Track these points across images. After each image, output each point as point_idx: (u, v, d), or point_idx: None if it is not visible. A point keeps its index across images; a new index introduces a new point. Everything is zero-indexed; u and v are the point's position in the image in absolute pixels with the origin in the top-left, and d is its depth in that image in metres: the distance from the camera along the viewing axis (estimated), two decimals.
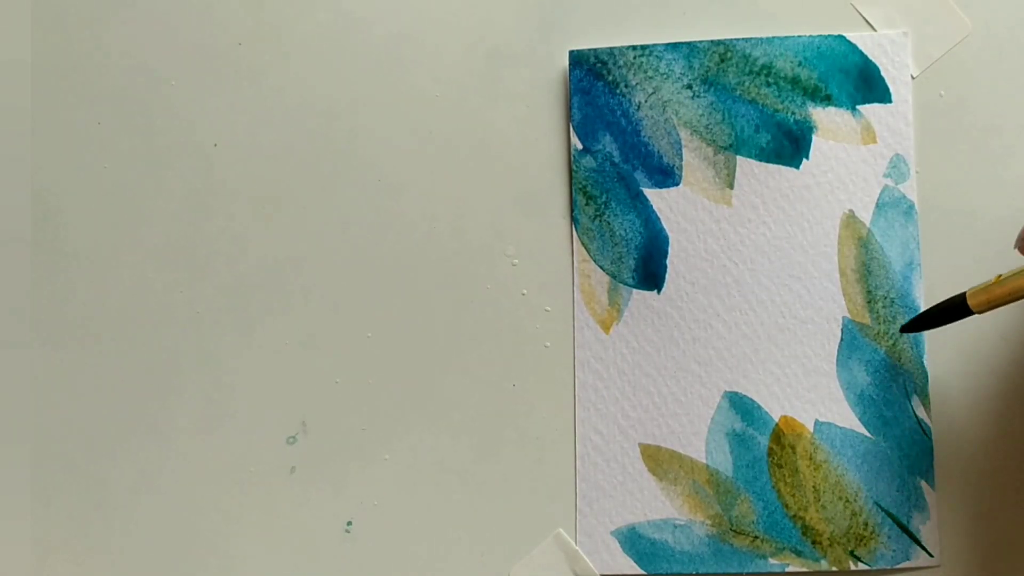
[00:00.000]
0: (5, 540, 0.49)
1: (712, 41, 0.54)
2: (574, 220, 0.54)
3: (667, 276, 0.53)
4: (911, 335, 0.52)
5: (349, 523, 0.54)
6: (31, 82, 0.57)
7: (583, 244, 0.54)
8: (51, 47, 0.58)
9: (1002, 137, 0.52)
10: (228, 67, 0.57)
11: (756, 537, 0.51)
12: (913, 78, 0.53)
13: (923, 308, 0.51)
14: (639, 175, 0.54)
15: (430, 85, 0.56)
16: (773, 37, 0.54)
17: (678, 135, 0.54)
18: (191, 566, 0.54)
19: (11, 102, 0.53)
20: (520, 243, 0.55)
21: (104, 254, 0.56)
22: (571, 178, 0.54)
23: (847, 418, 0.52)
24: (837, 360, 0.52)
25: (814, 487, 0.51)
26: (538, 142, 0.55)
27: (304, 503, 0.54)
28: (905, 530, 0.51)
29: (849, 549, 0.51)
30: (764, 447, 0.52)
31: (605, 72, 0.55)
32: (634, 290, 0.54)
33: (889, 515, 0.51)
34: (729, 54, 0.54)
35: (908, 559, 0.51)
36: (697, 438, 0.52)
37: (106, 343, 0.56)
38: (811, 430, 0.52)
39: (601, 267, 0.54)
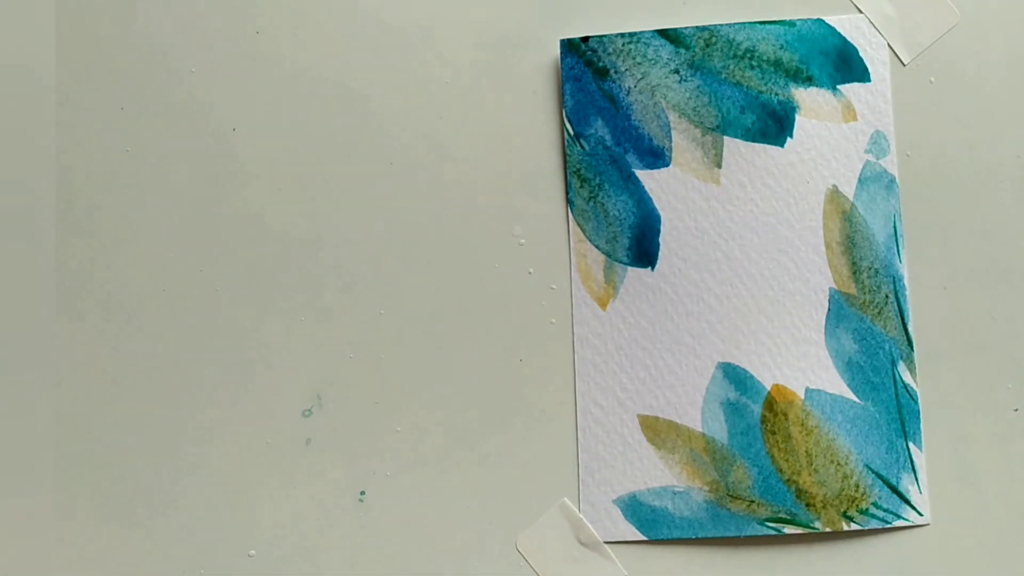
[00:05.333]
0: (30, 510, 0.46)
1: (697, 27, 0.50)
2: (570, 202, 0.50)
3: (660, 253, 0.49)
4: (896, 306, 0.48)
5: (363, 493, 0.49)
6: (56, 69, 0.53)
7: (579, 225, 0.50)
8: (76, 35, 0.54)
9: (988, 120, 0.49)
10: (246, 54, 0.52)
11: (752, 502, 0.47)
12: (904, 65, 0.49)
13: (906, 278, 0.48)
14: (630, 157, 0.49)
15: (439, 73, 0.51)
16: (755, 22, 0.49)
17: (667, 118, 0.49)
18: (210, 535, 0.50)
19: (37, 88, 0.49)
20: (527, 224, 0.50)
21: (126, 235, 0.52)
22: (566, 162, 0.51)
23: (836, 385, 0.47)
24: (825, 329, 0.48)
25: (806, 452, 0.47)
26: (543, 127, 0.51)
27: (319, 474, 0.50)
28: (895, 491, 0.47)
29: (842, 511, 0.47)
30: (757, 415, 0.48)
31: (595, 59, 0.50)
32: (629, 268, 0.49)
33: (880, 477, 0.47)
34: (714, 39, 0.50)
35: (899, 519, 0.47)
36: (693, 408, 0.48)
37: (128, 321, 0.51)
38: (802, 397, 0.47)
39: (597, 247, 0.49)
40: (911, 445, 0.47)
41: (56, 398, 0.51)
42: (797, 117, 0.48)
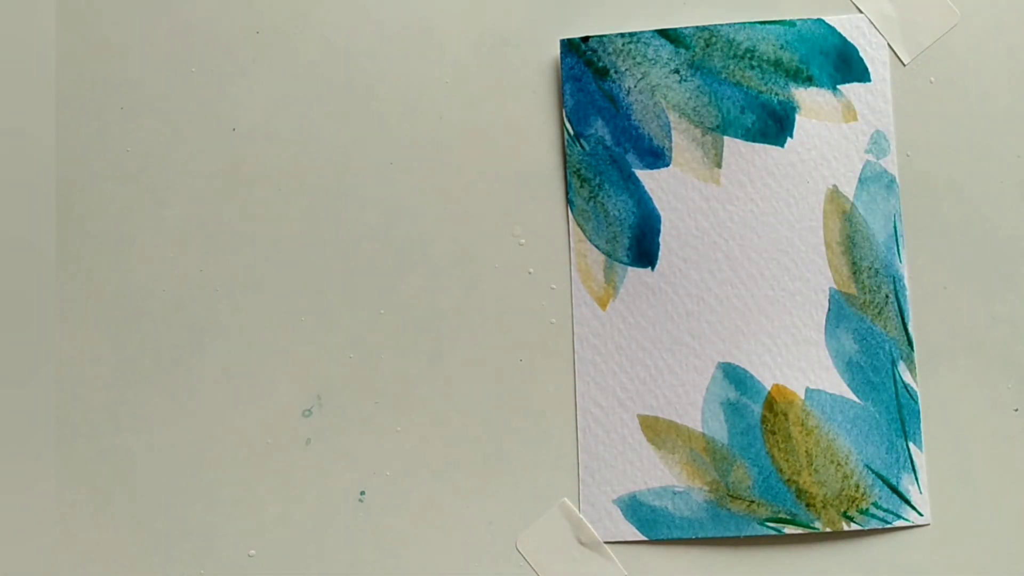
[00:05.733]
0: (30, 507, 0.46)
1: (697, 27, 0.50)
2: (569, 202, 0.50)
3: (660, 253, 0.49)
4: (896, 306, 0.48)
5: (363, 493, 0.49)
6: (55, 68, 0.53)
7: (579, 225, 0.50)
8: (75, 34, 0.53)
9: (989, 120, 0.49)
10: (246, 54, 0.52)
11: (752, 502, 0.47)
12: (904, 65, 0.49)
13: (906, 278, 0.48)
14: (631, 157, 0.49)
15: (439, 73, 0.51)
16: (755, 22, 0.49)
17: (667, 118, 0.49)
18: (210, 534, 0.50)
19: (36, 88, 0.49)
20: (527, 224, 0.50)
21: (126, 234, 0.52)
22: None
23: (836, 385, 0.47)
24: (825, 329, 0.48)
25: (806, 452, 0.47)
26: (543, 127, 0.51)
27: (319, 474, 0.50)
28: (895, 491, 0.47)
29: (842, 511, 0.47)
30: (757, 415, 0.47)
31: (595, 59, 0.50)
32: (629, 268, 0.49)
33: (880, 477, 0.47)
34: (714, 39, 0.49)
35: (899, 519, 0.47)
36: (693, 408, 0.48)
37: (129, 320, 0.51)
38: (802, 397, 0.47)
39: (597, 247, 0.49)
40: (911, 445, 0.47)
41: (56, 398, 0.51)
42: (797, 117, 0.48)
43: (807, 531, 0.46)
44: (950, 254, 0.48)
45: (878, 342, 0.47)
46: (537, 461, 0.48)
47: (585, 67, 0.49)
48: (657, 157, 0.49)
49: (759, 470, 0.47)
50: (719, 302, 0.48)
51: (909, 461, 0.46)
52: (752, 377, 0.47)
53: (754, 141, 0.48)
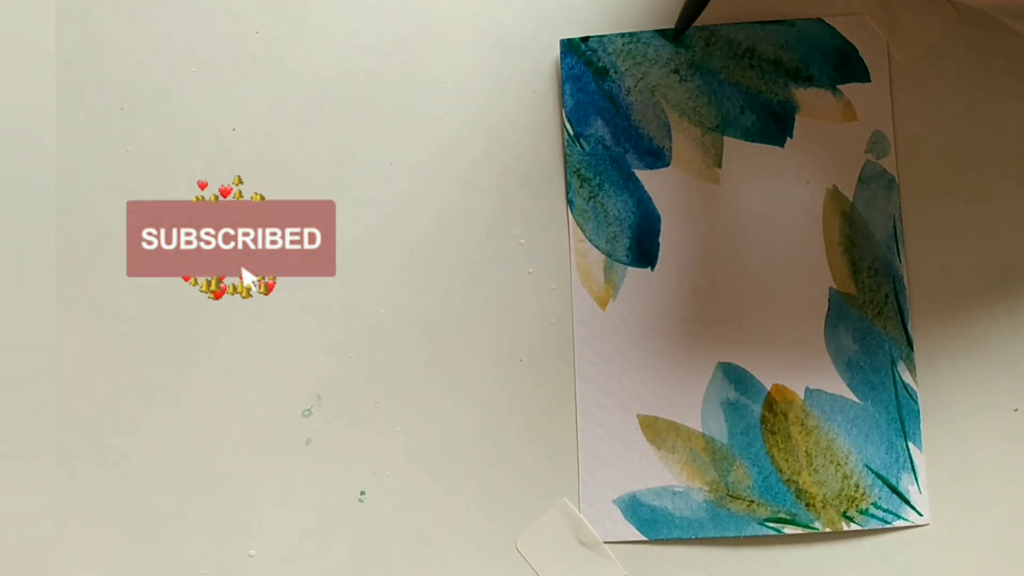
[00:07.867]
0: (30, 510, 0.47)
1: (697, 27, 0.49)
2: (569, 202, 0.50)
3: (660, 253, 0.49)
4: (896, 306, 0.47)
5: (363, 492, 0.49)
6: (56, 69, 0.53)
7: (579, 225, 0.49)
8: (75, 35, 0.53)
9: (988, 120, 0.49)
10: (246, 55, 0.52)
11: (752, 502, 0.47)
12: (904, 65, 0.49)
13: (906, 278, 0.48)
14: (630, 157, 0.49)
15: (439, 73, 0.51)
16: (755, 22, 0.49)
17: (667, 118, 0.49)
18: (210, 534, 0.50)
19: (36, 88, 0.50)
20: (527, 224, 0.50)
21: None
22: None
23: (836, 385, 0.47)
24: (825, 329, 0.48)
25: (806, 452, 0.47)
26: (543, 127, 0.51)
27: (319, 473, 0.50)
28: (895, 491, 0.47)
29: (842, 511, 0.47)
30: (757, 415, 0.47)
31: (595, 59, 0.50)
32: (628, 268, 0.49)
33: (879, 477, 0.47)
34: (714, 39, 0.49)
35: (899, 519, 0.47)
36: (693, 408, 0.48)
37: (128, 319, 0.51)
38: (802, 397, 0.47)
39: (596, 247, 0.49)
40: (911, 445, 0.47)
41: (56, 398, 0.50)
42: (797, 117, 0.48)
43: (807, 531, 0.46)
44: (950, 254, 0.47)
45: (878, 342, 0.47)
46: (537, 461, 0.48)
47: (585, 67, 0.49)
48: (657, 157, 0.49)
49: (759, 470, 0.47)
50: (719, 302, 0.48)
51: (909, 461, 0.46)
52: (752, 377, 0.47)
53: (754, 141, 0.48)
